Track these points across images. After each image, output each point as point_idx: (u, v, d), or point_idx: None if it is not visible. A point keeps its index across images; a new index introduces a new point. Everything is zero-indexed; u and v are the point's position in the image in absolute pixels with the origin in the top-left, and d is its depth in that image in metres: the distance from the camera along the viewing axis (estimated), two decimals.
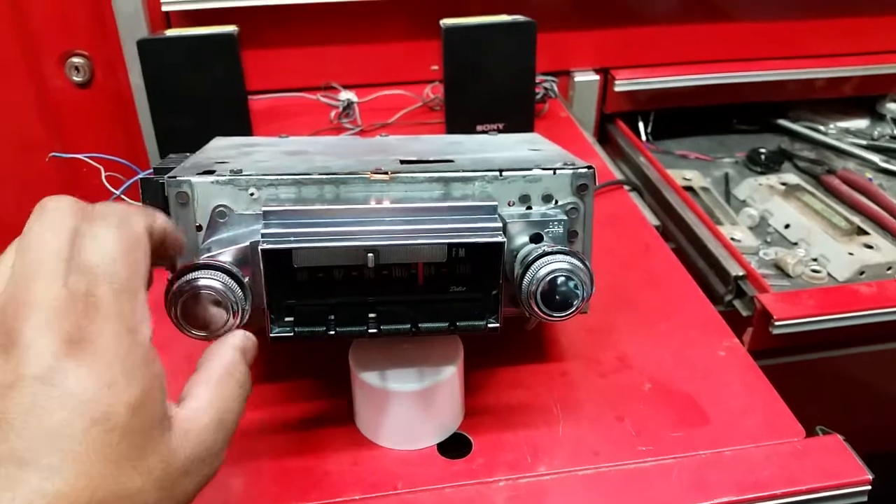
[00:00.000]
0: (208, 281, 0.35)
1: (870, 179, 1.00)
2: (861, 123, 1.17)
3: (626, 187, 0.81)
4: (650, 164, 0.97)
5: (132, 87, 0.93)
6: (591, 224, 0.45)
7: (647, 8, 1.05)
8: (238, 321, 0.36)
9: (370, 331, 0.39)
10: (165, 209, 0.41)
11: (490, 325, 0.40)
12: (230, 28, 0.80)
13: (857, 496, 0.44)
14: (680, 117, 1.12)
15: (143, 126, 0.95)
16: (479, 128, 0.88)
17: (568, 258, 0.39)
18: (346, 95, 0.97)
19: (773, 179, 0.98)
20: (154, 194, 0.41)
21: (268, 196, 0.41)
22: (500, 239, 0.39)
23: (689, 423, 0.48)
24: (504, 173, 0.43)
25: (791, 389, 0.50)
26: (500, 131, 0.89)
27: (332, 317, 0.39)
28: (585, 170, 0.44)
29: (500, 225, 0.40)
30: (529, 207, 0.43)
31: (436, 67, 0.88)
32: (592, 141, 0.94)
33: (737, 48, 1.09)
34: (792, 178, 0.99)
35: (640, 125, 1.12)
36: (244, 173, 0.41)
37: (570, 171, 0.43)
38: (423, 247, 0.39)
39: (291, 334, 0.39)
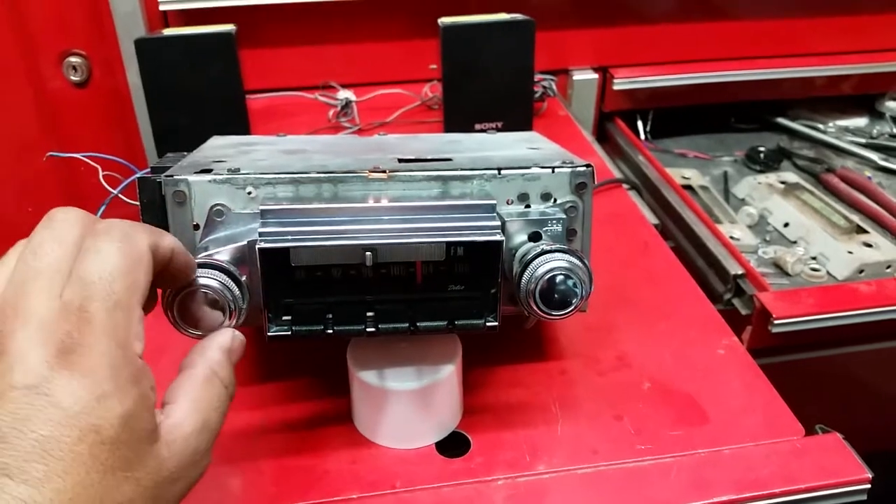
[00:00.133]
0: (206, 280, 0.35)
1: (869, 178, 1.00)
2: (860, 122, 1.17)
3: (625, 186, 0.81)
4: (649, 162, 0.97)
5: (130, 87, 0.93)
6: (589, 222, 0.45)
7: (645, 6, 1.05)
8: (235, 320, 0.36)
9: (368, 329, 0.39)
10: (163, 208, 0.41)
11: (489, 324, 0.40)
12: (228, 27, 0.80)
13: (857, 495, 0.43)
14: (679, 116, 1.12)
15: (140, 125, 0.95)
16: (477, 126, 0.88)
17: (567, 256, 0.39)
18: (345, 94, 0.97)
19: (772, 178, 0.98)
20: (151, 193, 0.41)
21: (265, 195, 0.41)
22: (498, 237, 0.39)
23: (689, 421, 0.48)
24: (503, 172, 0.42)
25: (790, 388, 0.50)
26: (498, 130, 0.88)
27: (330, 315, 0.39)
28: (584, 168, 0.43)
29: (499, 223, 0.40)
30: (528, 206, 0.43)
31: (434, 66, 0.88)
32: (591, 139, 0.94)
33: (736, 47, 1.09)
34: (791, 176, 0.99)
35: (639, 124, 1.12)
36: (242, 172, 0.41)
37: (569, 170, 0.43)
38: (421, 245, 0.38)
39: (289, 333, 0.39)
